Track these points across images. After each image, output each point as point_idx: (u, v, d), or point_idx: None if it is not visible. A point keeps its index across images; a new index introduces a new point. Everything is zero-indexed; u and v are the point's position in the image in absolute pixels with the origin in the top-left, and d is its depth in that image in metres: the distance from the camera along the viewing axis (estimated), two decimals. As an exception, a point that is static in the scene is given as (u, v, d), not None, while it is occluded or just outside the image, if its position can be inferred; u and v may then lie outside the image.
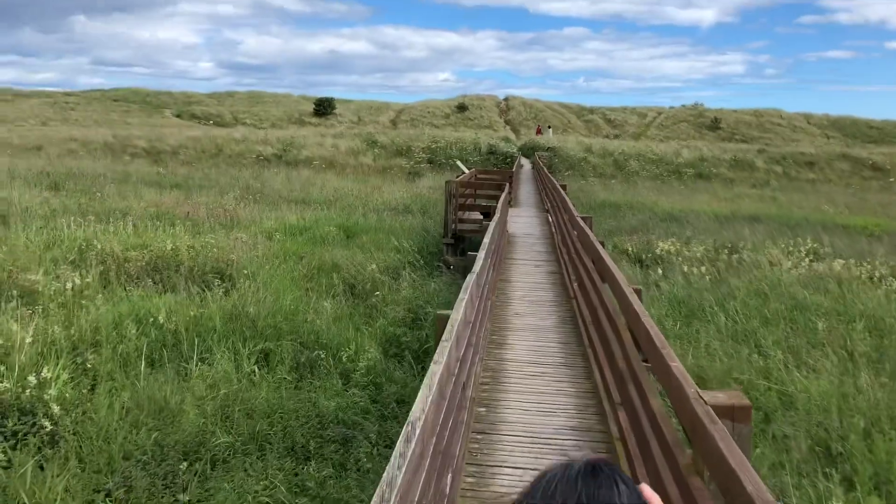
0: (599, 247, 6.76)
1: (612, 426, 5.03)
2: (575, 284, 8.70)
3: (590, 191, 34.41)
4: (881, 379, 8.31)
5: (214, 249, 14.49)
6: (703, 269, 14.71)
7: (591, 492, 1.03)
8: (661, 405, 3.30)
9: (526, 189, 28.93)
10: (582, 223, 8.70)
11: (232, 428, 6.96)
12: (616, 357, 4.94)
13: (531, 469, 4.57)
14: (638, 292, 4.95)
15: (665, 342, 3.36)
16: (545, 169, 30.10)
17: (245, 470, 6.24)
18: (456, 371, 3.62)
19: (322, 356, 8.93)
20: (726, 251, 17.68)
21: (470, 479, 4.34)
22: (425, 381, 2.74)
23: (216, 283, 11.95)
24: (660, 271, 14.71)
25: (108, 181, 30.95)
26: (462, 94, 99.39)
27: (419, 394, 2.61)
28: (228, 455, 6.55)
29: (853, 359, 9.39)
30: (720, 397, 2.64)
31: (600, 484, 1.04)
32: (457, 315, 3.78)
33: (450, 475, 3.51)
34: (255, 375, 8.36)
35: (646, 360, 4.52)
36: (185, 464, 6.02)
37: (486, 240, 7.03)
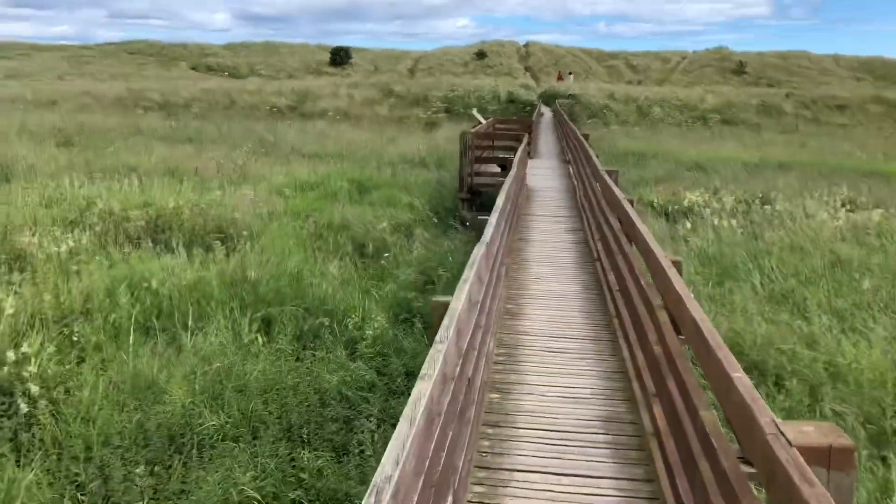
0: (628, 206, 5.99)
1: (644, 416, 4.33)
2: (599, 244, 7.94)
3: (612, 139, 33.28)
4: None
5: (220, 207, 13.85)
6: (734, 222, 13.85)
7: None
8: (715, 421, 2.59)
9: (546, 139, 27.92)
10: (606, 178, 7.88)
11: (222, 407, 6.36)
12: (649, 339, 4.22)
13: (552, 473, 3.90)
14: (677, 265, 4.21)
15: (720, 341, 2.63)
16: (566, 117, 29.01)
17: (235, 457, 5.64)
18: (457, 373, 2.92)
19: (326, 324, 8.29)
20: (758, 202, 16.75)
21: (478, 489, 3.67)
22: (406, 410, 2.04)
23: (218, 245, 11.31)
24: (688, 224, 13.87)
25: (119, 136, 30.43)
26: (481, 40, 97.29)
27: (396, 430, 1.91)
28: (217, 439, 5.96)
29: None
30: (809, 433, 1.92)
31: None
32: (458, 303, 3.06)
33: (450, 498, 2.84)
34: (252, 346, 7.75)
35: (678, 332, 3.81)
36: (141, 467, 5.39)
37: (500, 200, 6.27)
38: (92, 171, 19.49)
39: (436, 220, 14.23)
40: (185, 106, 45.74)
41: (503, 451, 4.08)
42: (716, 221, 13.74)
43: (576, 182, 14.12)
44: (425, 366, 2.36)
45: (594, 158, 10.54)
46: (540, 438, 4.27)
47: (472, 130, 15.95)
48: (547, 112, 42.33)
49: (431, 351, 2.48)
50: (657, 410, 3.92)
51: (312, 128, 36.06)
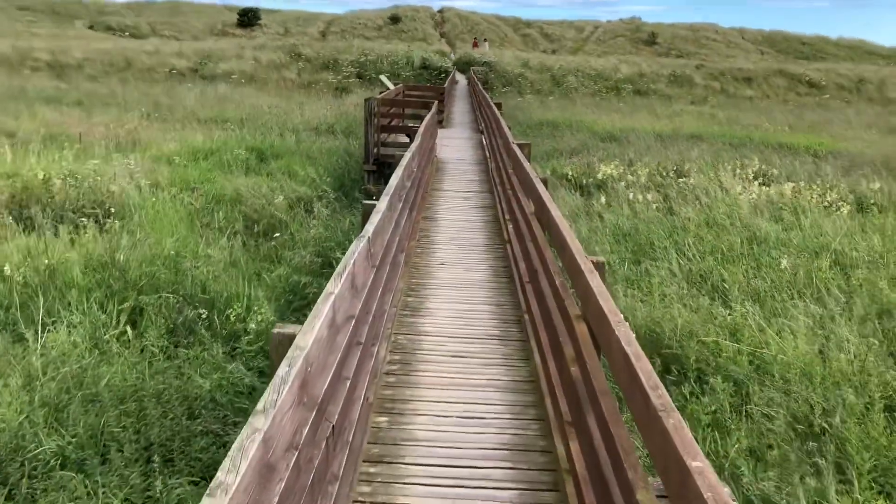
0: (541, 186, 5.20)
1: (558, 446, 3.60)
2: (510, 226, 7.19)
3: (527, 108, 32.74)
4: (862, 331, 7.15)
5: (97, 179, 12.46)
6: (649, 196, 13.39)
7: None
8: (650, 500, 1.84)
9: (460, 107, 27.10)
10: (518, 152, 7.08)
11: (65, 425, 5.33)
12: (564, 354, 3.47)
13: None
14: (600, 268, 3.45)
15: (667, 398, 1.87)
16: (479, 85, 28.22)
17: (72, 491, 4.66)
18: (304, 436, 2.08)
19: (203, 315, 7.26)
20: (672, 174, 16.43)
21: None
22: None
23: (85, 222, 10.03)
24: (603, 199, 13.32)
25: (-1, 97, 28.07)
26: (395, 4, 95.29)
27: None
28: (55, 466, 4.95)
29: (822, 302, 8.23)
30: None
31: None
32: (308, 337, 2.21)
33: None
34: (114, 344, 6.68)
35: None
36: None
37: (394, 180, 5.36)
38: (-43, 136, 17.62)
39: (340, 194, 13.25)
40: (78, 67, 42.72)
41: (387, 499, 3.27)
42: (631, 196, 13.26)
43: (488, 154, 13.37)
44: (225, 464, 1.50)
45: (506, 129, 9.73)
46: (433, 476, 3.48)
47: (379, 96, 14.94)
48: (462, 79, 41.46)
49: (241, 435, 1.62)
50: (574, 446, 3.18)
51: (214, 91, 34.12)
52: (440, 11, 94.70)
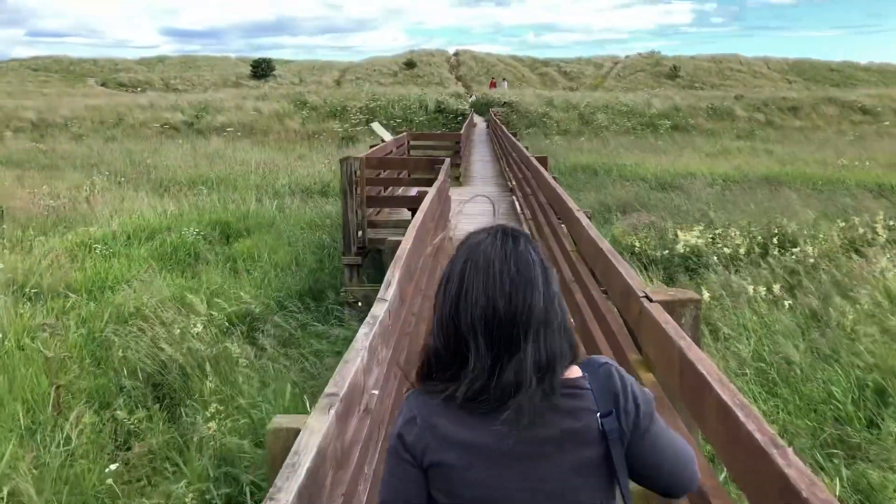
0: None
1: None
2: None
3: (556, 151, 28.37)
4: None
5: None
6: (776, 287, 8.83)
7: (509, 248, 1.40)
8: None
9: (481, 155, 22.79)
10: (629, 280, 2.50)
11: None
12: None
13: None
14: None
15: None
16: (504, 127, 23.94)
17: None
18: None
19: None
20: (775, 241, 11.85)
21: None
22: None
23: None
24: (706, 294, 8.75)
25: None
26: (410, 50, 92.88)
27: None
28: None
29: None
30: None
31: (517, 243, 1.42)
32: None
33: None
34: None
35: None
36: None
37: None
38: None
39: (309, 298, 8.89)
40: (64, 125, 39.32)
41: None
42: (750, 290, 8.68)
43: (531, 227, 8.98)
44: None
45: (581, 216, 5.06)
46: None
47: (364, 154, 10.57)
48: (480, 122, 37.34)
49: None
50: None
51: (205, 146, 30.26)
52: (455, 55, 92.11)
